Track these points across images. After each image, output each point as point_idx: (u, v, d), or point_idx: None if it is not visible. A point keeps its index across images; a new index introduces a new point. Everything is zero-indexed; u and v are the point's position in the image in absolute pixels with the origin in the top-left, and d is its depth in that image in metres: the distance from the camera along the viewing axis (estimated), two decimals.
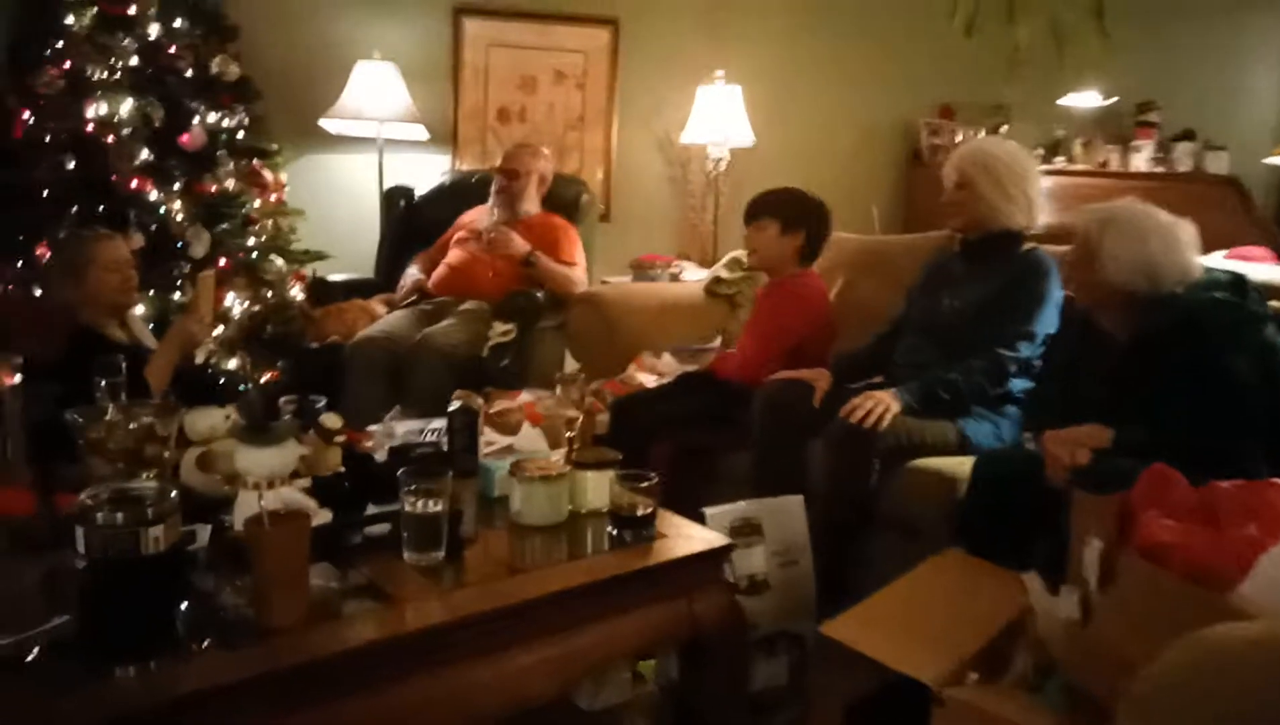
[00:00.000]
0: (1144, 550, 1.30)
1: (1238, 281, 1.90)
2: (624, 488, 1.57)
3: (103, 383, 1.70)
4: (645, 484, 1.55)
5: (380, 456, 1.96)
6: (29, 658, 1.05)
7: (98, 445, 1.37)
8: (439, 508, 1.42)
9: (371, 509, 1.53)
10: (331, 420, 1.52)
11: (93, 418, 1.41)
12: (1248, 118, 4.70)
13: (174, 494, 1.09)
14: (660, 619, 1.47)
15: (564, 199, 3.58)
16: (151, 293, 3.08)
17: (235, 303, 3.32)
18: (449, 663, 1.24)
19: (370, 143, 3.84)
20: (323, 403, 1.96)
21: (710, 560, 1.55)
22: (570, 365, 3.54)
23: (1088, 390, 1.91)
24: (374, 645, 1.17)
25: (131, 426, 1.37)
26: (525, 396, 2.74)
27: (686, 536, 1.59)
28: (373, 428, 2.12)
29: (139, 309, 3.03)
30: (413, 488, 1.41)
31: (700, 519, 1.77)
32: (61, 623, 1.10)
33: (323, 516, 1.44)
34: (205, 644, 1.12)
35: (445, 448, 1.87)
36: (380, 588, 1.33)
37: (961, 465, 2.05)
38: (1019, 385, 2.20)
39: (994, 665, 1.45)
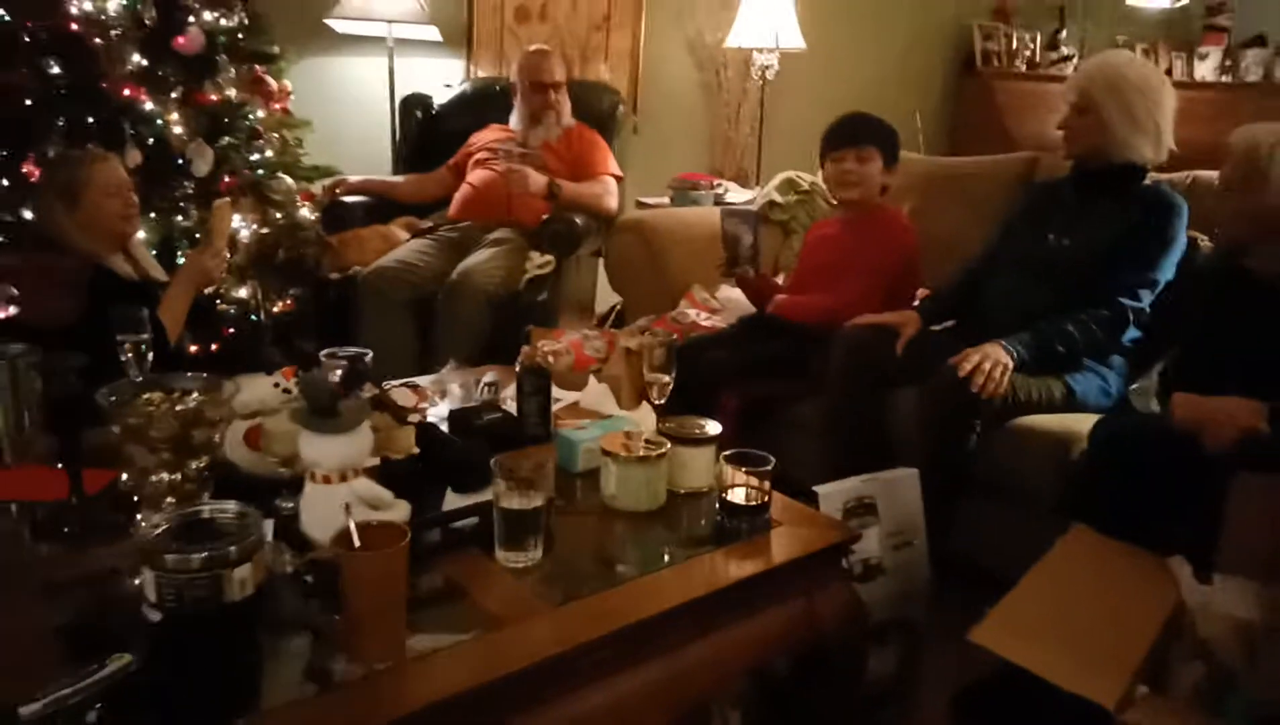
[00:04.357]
0: None
1: None
2: (734, 468, 1.38)
3: (126, 345, 1.48)
4: (761, 467, 1.36)
5: (433, 417, 1.77)
6: (89, 718, 0.86)
7: (137, 432, 1.16)
8: (539, 502, 1.22)
9: (450, 496, 1.33)
10: (404, 396, 1.31)
11: (126, 397, 1.20)
12: None
13: (259, 524, 0.89)
14: (780, 624, 1.30)
15: (596, 109, 3.29)
16: (153, 216, 2.81)
17: (242, 226, 3.04)
18: (566, 693, 1.07)
19: (379, 44, 3.51)
20: (369, 357, 1.76)
21: (832, 553, 1.37)
22: (604, 296, 3.31)
23: (1233, 351, 1.70)
24: (488, 685, 0.99)
25: (178, 409, 1.16)
26: (570, 336, 2.54)
27: (803, 524, 1.40)
28: (420, 382, 1.92)
29: (139, 235, 2.79)
30: (510, 478, 1.21)
31: (790, 490, 1.58)
32: (120, 666, 0.91)
33: (399, 510, 1.24)
34: (293, 697, 0.94)
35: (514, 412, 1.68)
36: (479, 603, 1.14)
37: (1073, 425, 1.87)
38: (1129, 335, 2.00)
39: (1157, 673, 1.30)
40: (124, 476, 1.25)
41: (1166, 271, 1.93)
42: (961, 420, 1.85)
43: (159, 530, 0.86)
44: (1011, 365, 1.83)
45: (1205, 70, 4.15)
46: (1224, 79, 4.17)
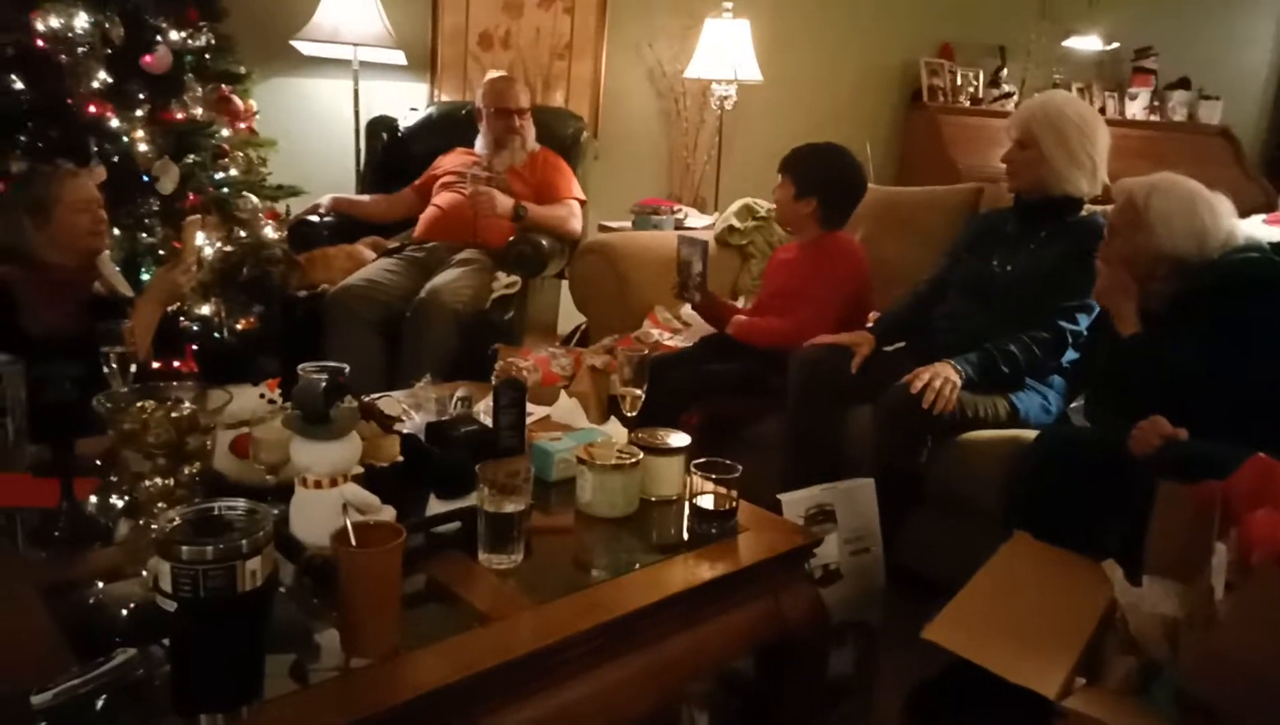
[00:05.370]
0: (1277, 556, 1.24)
1: (1277, 246, 1.86)
2: (703, 476, 1.46)
3: (111, 356, 1.51)
4: (729, 475, 1.44)
5: (408, 428, 1.81)
6: (99, 704, 0.91)
7: (133, 438, 1.20)
8: (521, 506, 1.29)
9: (432, 502, 1.39)
10: (391, 406, 1.36)
11: (121, 405, 1.24)
12: (1241, 67, 4.67)
13: (269, 519, 0.94)
14: (749, 621, 1.38)
15: (560, 135, 3.38)
16: (117, 233, 2.82)
17: (206, 244, 3.06)
18: (550, 685, 1.13)
19: (344, 67, 3.57)
20: (347, 370, 1.81)
21: (796, 556, 1.46)
22: (567, 316, 3.38)
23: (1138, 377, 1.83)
24: (480, 675, 1.05)
25: (173, 416, 1.20)
26: (537, 354, 2.60)
27: (769, 529, 1.49)
28: (395, 396, 1.97)
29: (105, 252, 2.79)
30: (494, 484, 1.27)
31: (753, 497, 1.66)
32: (126, 659, 0.95)
33: (386, 515, 1.30)
34: (293, 688, 0.99)
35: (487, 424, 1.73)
36: (466, 601, 1.20)
37: (1015, 441, 1.98)
38: (1068, 356, 2.13)
39: (1092, 665, 1.40)
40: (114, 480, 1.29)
41: None
42: (913, 435, 1.96)
43: (174, 524, 0.91)
44: (960, 382, 1.94)
45: (1135, 109, 4.40)
46: (1153, 118, 4.42)
